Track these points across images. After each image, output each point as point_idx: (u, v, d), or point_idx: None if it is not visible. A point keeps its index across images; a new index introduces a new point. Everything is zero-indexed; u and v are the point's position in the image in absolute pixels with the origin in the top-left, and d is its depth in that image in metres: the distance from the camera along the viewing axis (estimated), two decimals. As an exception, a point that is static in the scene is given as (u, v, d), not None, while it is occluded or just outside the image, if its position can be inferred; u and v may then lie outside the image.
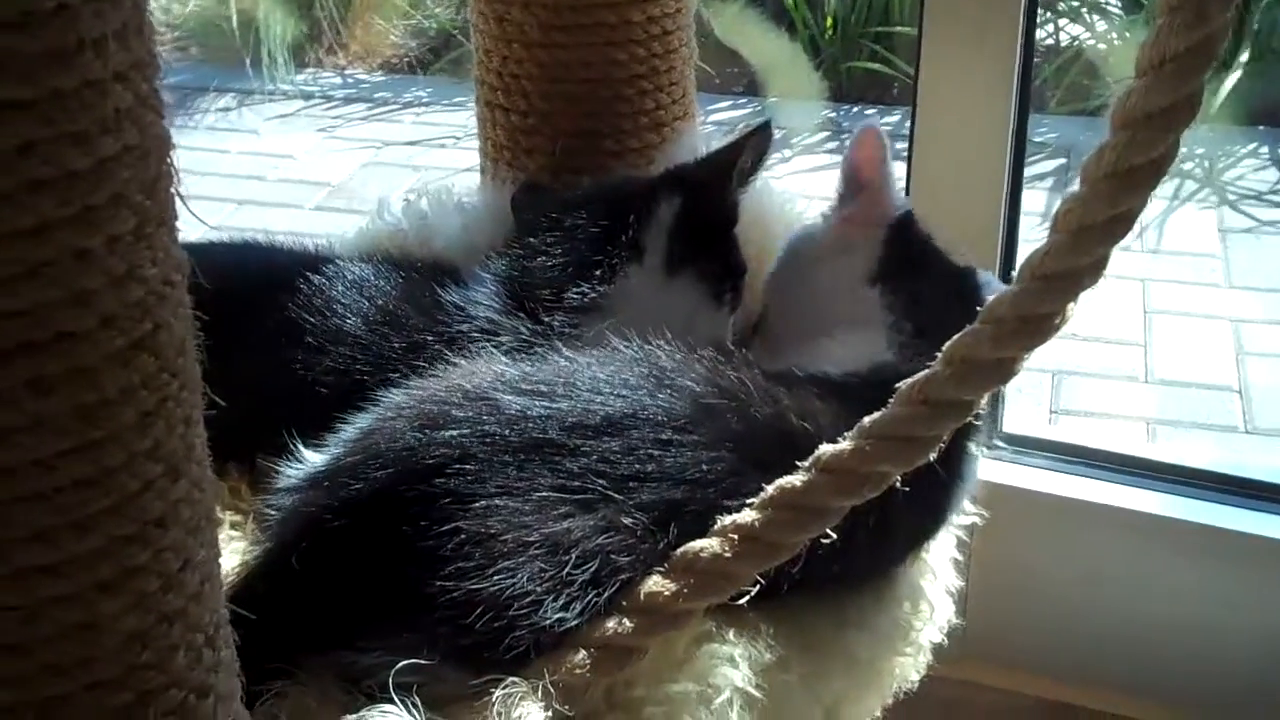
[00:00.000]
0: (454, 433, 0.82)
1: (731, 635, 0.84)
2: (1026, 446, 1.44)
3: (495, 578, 0.76)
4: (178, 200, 0.60)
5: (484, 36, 1.27)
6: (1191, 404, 2.18)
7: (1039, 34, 2.92)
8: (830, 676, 0.90)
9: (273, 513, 0.86)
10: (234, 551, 0.91)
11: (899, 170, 1.29)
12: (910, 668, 0.97)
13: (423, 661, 0.74)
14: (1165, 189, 2.65)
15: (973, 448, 0.99)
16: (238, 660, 0.69)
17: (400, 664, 0.74)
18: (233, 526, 0.96)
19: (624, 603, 0.79)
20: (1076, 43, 3.16)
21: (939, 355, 0.78)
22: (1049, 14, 3.15)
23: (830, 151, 3.06)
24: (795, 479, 0.80)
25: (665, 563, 0.81)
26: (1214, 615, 1.36)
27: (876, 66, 3.23)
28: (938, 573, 1.00)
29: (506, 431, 0.82)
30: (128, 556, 0.59)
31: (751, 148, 1.09)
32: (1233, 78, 2.85)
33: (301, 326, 1.00)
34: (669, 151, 1.26)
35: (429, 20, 3.71)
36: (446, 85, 3.53)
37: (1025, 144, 1.40)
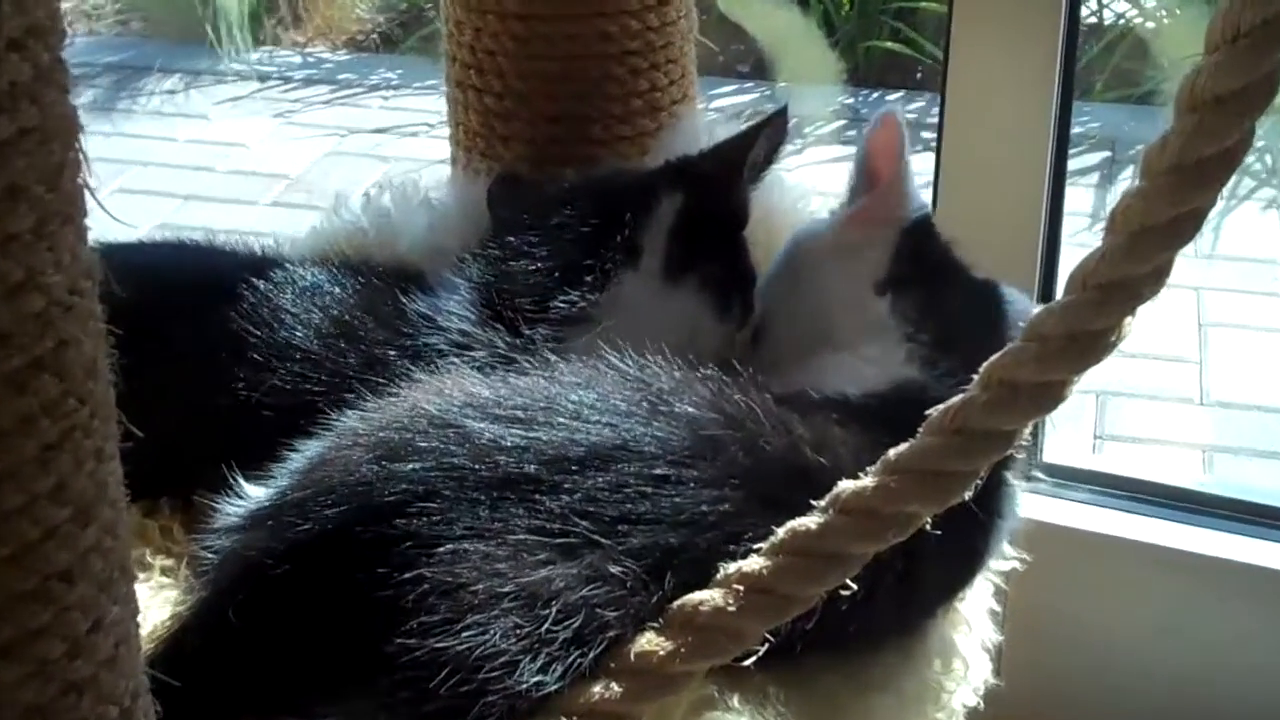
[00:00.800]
0: (417, 465, 0.81)
1: (736, 701, 0.83)
2: (1068, 478, 1.43)
3: (464, 634, 0.75)
4: (88, 193, 0.57)
5: (454, 6, 1.26)
6: (1252, 429, 2.17)
7: (1082, 11, 2.92)
8: (850, 747, 0.89)
9: (209, 556, 0.85)
10: (165, 602, 0.90)
11: (924, 164, 1.28)
12: (941, 735, 0.96)
13: (380, 731, 0.73)
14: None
15: (1013, 481, 0.98)
16: (162, 734, 0.67)
17: (354, 734, 0.73)
18: (163, 573, 0.96)
19: (612, 664, 0.78)
20: (1123, 21, 3.16)
21: (975, 377, 0.77)
22: (1093, -12, 3.15)
23: (847, 141, 3.06)
24: (810, 521, 0.79)
25: (660, 617, 0.80)
26: (1281, 669, 1.35)
27: (899, 47, 3.23)
28: (972, 626, 0.99)
29: (478, 464, 0.81)
30: (27, 616, 0.57)
31: (766, 137, 1.09)
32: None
33: (243, 340, 0.99)
34: (666, 140, 1.25)
35: (399, -9, 3.70)
36: (419, 65, 3.52)
37: (1068, 135, 1.40)
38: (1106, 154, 2.87)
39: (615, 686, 0.77)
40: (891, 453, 0.78)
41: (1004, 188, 1.37)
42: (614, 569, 0.79)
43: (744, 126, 1.11)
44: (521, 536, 0.79)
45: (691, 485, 0.82)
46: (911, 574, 0.87)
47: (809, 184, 1.32)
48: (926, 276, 1.05)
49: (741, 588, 0.78)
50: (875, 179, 1.08)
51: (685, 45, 1.29)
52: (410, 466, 0.81)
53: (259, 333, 0.99)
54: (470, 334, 0.99)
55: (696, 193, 1.07)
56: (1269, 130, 2.84)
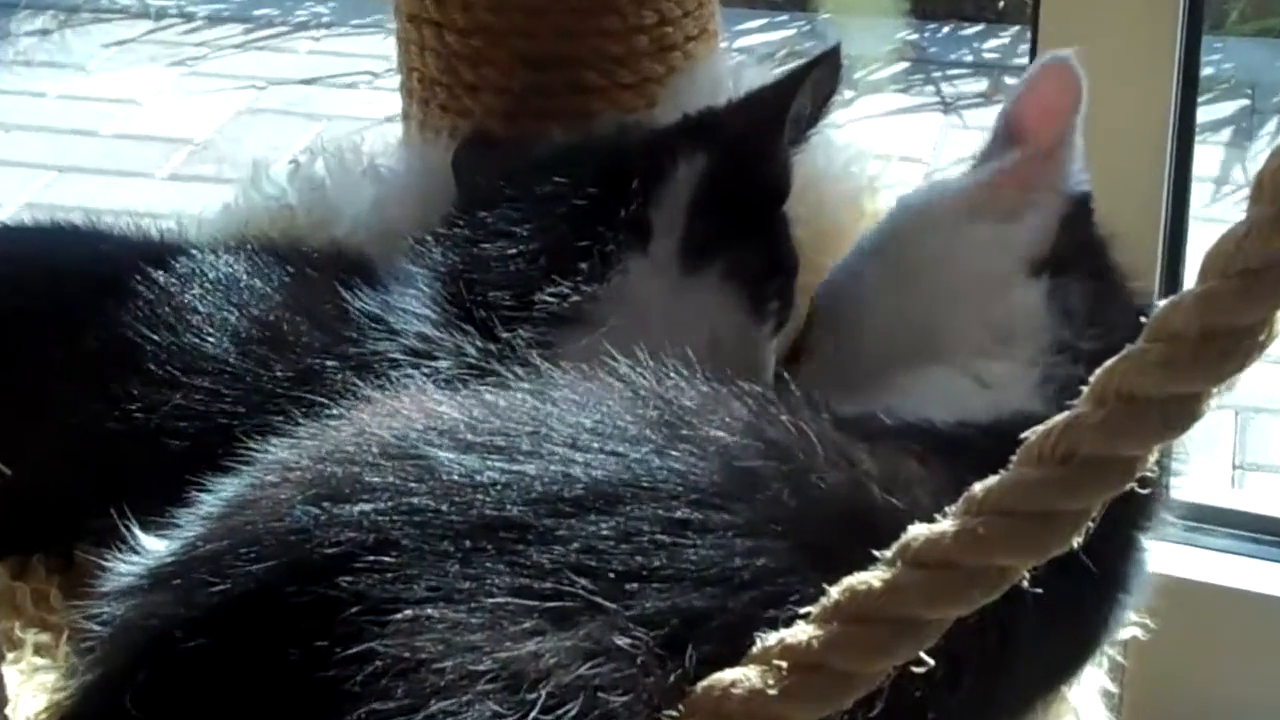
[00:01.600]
0: (367, 507, 0.81)
1: (780, 809, 0.82)
2: (1201, 519, 1.44)
3: (428, 726, 0.75)
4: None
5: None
6: None
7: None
8: None
9: (97, 628, 0.84)
10: (40, 688, 0.90)
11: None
12: None
13: None
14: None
15: (1143, 545, 0.99)
16: None
17: None
18: (38, 651, 0.96)
19: (620, 765, 0.78)
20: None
21: (1085, 390, 0.77)
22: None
23: (910, 89, 3.07)
24: (872, 577, 0.78)
25: (680, 702, 0.79)
26: None
27: (975, -33, 3.24)
28: (1081, 713, 0.99)
29: (445, 506, 0.81)
30: None
31: (812, 85, 1.09)
32: None
33: (137, 349, 0.99)
34: (681, 88, 1.26)
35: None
36: (356, -1, 3.55)
37: (1197, 78, 1.41)
38: (1243, 103, 2.88)
39: (623, 794, 0.78)
40: (977, 488, 0.77)
41: (1114, 148, 1.37)
42: (621, 640, 0.78)
43: (782, 71, 1.12)
44: (502, 599, 0.78)
45: (722, 533, 0.82)
46: (1006, 648, 0.87)
47: (863, 142, 1.32)
48: (1095, 264, 1.06)
49: (785, 664, 0.78)
50: (1025, 139, 1.09)
51: (703, -36, 1.30)
52: (357, 509, 0.81)
53: (157, 339, 0.99)
54: (432, 338, 1.00)
55: (723, 156, 1.08)
56: None
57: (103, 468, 0.96)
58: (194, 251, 1.07)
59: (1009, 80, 2.57)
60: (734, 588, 0.81)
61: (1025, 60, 1.43)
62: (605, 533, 0.80)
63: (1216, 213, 2.46)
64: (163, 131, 3.11)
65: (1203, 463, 2.09)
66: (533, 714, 0.76)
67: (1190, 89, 1.40)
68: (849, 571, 0.78)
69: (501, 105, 1.26)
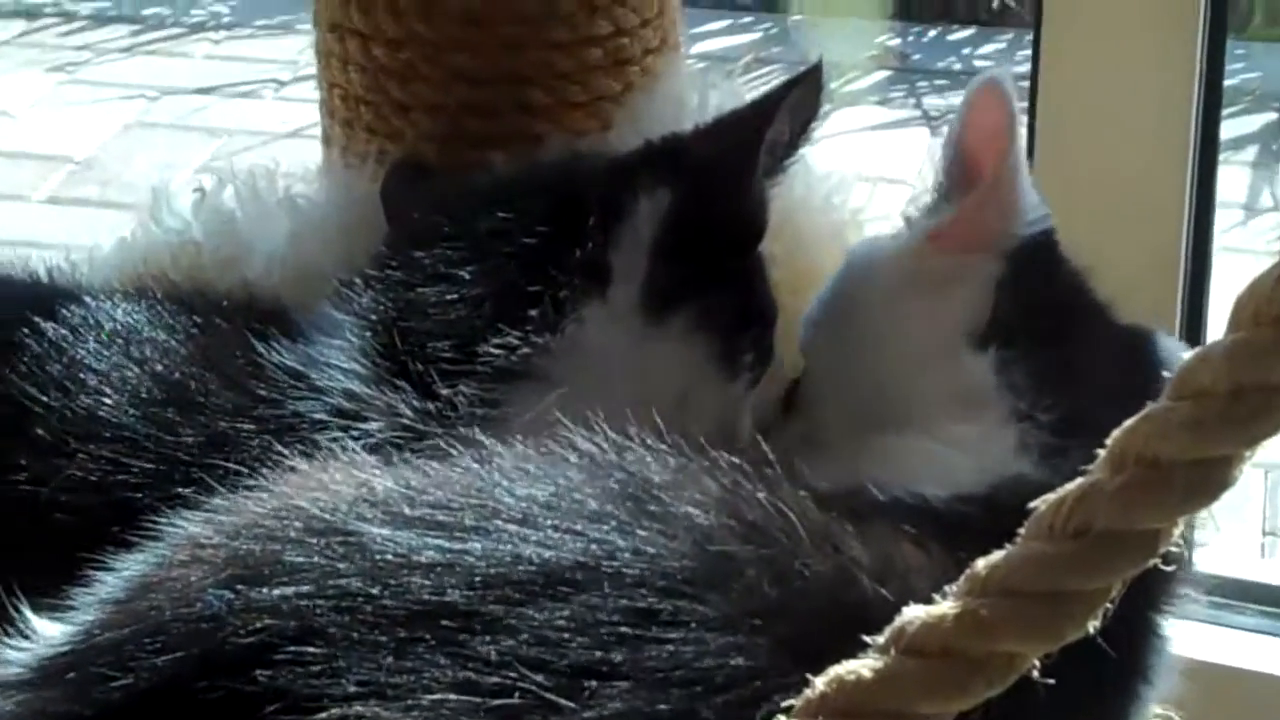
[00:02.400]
0: (288, 590, 0.81)
1: None
2: (1228, 595, 1.45)
3: (359, 845, 0.75)
4: None
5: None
6: None
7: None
8: None
9: None
10: None
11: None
12: None
13: None
14: None
15: (1164, 631, 0.99)
16: None
17: None
18: None
19: None
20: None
21: (1101, 455, 0.78)
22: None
23: (892, 102, 3.08)
24: (862, 666, 0.77)
25: None
26: None
27: (967, -37, 3.27)
28: None
29: (377, 589, 0.81)
30: None
31: (792, 107, 1.10)
32: None
33: (23, 411, 0.99)
34: (639, 107, 1.26)
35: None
36: (262, -4, 3.55)
37: (1220, 89, 1.43)
38: (1272, 116, 2.89)
39: None
40: (981, 565, 0.78)
41: (1126, 168, 1.39)
42: (579, 745, 0.79)
43: (757, 94, 1.13)
44: (441, 695, 0.78)
45: (693, 626, 0.82)
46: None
47: (847, 169, 1.32)
48: (1048, 324, 1.06)
49: (765, 772, 0.79)
50: (976, 172, 1.09)
51: (663, -33, 1.31)
52: (277, 592, 0.81)
53: (46, 399, 1.00)
54: (361, 396, 1.00)
55: (690, 190, 1.08)
56: None
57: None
58: (87, 298, 1.07)
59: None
60: (706, 690, 0.81)
61: (1025, 68, 1.43)
62: (560, 622, 0.80)
63: (1243, 241, 2.47)
64: (39, 148, 3.09)
65: (1229, 529, 2.10)
66: (478, 834, 0.76)
67: (1213, 102, 1.41)
68: (837, 668, 0.80)
69: (436, 127, 1.26)
